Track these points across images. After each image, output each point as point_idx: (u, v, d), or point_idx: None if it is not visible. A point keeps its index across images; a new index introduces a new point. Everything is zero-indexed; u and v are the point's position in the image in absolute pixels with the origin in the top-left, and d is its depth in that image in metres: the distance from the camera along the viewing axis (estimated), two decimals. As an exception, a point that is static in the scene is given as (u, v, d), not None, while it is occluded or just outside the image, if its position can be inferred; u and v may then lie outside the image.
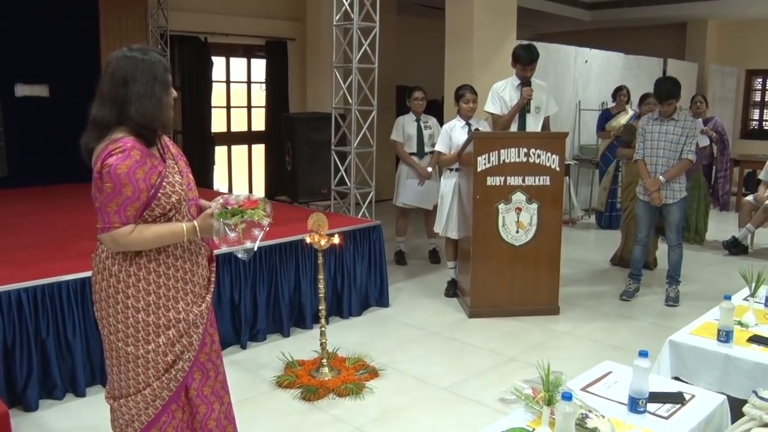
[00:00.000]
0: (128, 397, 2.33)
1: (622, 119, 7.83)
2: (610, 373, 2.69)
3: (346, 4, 5.53)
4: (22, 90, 6.99)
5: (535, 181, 4.96)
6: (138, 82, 2.20)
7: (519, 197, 4.96)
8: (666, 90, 5.22)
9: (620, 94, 8.08)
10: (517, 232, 5.00)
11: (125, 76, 2.20)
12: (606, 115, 8.22)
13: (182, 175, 2.35)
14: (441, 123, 6.13)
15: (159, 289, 2.29)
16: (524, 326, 4.91)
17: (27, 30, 6.86)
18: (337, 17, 5.64)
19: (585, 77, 9.27)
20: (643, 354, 2.31)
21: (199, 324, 2.38)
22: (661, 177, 5.26)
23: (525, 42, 5.81)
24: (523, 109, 5.28)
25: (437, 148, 5.42)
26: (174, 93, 2.34)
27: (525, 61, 5.21)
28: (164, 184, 2.24)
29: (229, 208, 2.26)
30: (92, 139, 2.23)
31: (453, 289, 5.62)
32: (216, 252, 2.80)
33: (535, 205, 4.98)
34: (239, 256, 2.48)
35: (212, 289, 2.46)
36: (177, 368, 2.34)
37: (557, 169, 4.95)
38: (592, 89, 9.39)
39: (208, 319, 2.45)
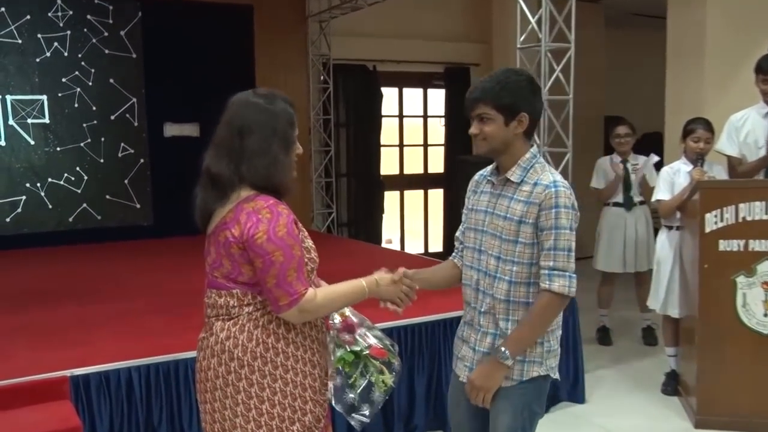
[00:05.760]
0: None
1: None
2: None
3: (532, 21, 5.25)
4: (171, 129, 7.39)
5: (790, 247, 4.39)
6: (254, 134, 2.18)
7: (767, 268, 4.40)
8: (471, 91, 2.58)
9: None
10: (765, 315, 4.42)
11: (241, 126, 2.20)
12: None
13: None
14: (660, 165, 5.67)
15: (290, 372, 2.24)
16: (774, 446, 4.22)
17: (177, 65, 7.27)
18: (522, 38, 5.41)
19: None
20: None
21: (321, 418, 2.31)
22: (468, 375, 2.57)
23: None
24: None
25: (657, 196, 5.10)
26: (299, 149, 2.30)
27: (766, 70, 4.77)
28: (303, 238, 2.27)
29: (350, 340, 2.33)
30: (213, 200, 2.22)
31: (673, 384, 5.12)
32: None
33: (791, 279, 4.39)
34: (352, 422, 2.44)
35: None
36: None
37: (822, 229, 4.32)
38: None
39: (327, 415, 2.39)
